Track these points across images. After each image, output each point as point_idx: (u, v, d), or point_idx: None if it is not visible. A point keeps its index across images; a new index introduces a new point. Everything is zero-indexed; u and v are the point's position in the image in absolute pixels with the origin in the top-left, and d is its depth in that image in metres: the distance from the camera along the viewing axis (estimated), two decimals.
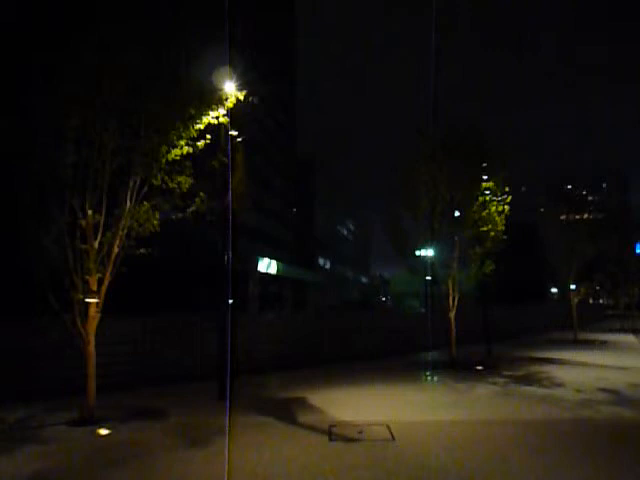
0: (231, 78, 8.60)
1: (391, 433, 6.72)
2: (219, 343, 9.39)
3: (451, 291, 13.81)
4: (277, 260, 50.61)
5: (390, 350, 16.24)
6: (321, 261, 76.21)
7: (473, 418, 7.85)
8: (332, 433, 6.80)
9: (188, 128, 7.76)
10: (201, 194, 8.20)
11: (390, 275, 75.93)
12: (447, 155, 13.38)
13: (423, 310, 36.29)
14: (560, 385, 10.61)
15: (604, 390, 9.99)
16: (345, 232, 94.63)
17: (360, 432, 6.79)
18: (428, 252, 15.33)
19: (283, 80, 58.90)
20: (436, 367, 13.75)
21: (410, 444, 6.34)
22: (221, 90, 8.27)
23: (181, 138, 7.77)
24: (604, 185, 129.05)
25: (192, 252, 28.60)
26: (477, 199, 13.67)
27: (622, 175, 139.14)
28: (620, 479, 5.33)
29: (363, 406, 8.73)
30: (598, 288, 43.64)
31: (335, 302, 63.64)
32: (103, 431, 6.99)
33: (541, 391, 10.01)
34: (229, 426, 7.09)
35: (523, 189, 31.65)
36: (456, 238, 13.75)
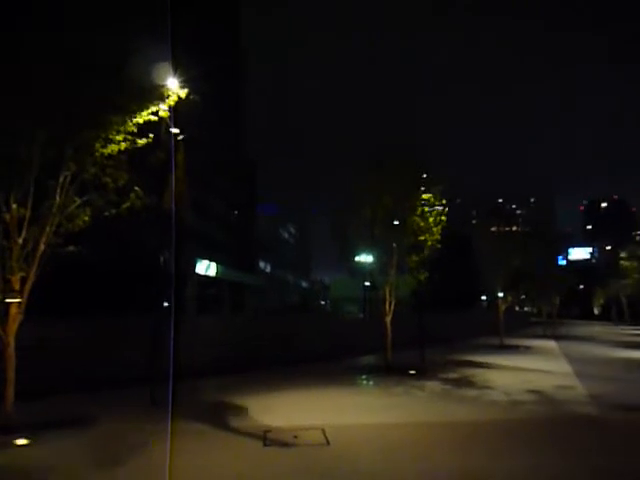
0: (174, 74, 8.38)
1: (326, 437, 6.76)
2: (153, 346, 9.08)
3: (388, 297, 14.16)
4: (216, 262, 49.71)
5: (328, 354, 16.36)
6: (262, 264, 75.71)
7: (406, 421, 8.05)
8: (267, 438, 6.74)
9: (126, 122, 7.46)
10: (136, 189, 7.88)
11: (330, 280, 76.64)
12: (391, 166, 13.83)
13: (361, 315, 37.02)
14: (488, 387, 11.13)
15: (528, 392, 10.57)
16: (287, 235, 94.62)
17: (295, 437, 6.79)
18: (368, 258, 15.64)
19: (231, 79, 58.19)
20: (372, 371, 14.03)
21: (344, 448, 6.41)
22: (163, 86, 8.03)
23: (119, 133, 7.47)
24: (532, 200, 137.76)
25: (131, 252, 27.53)
26: (416, 209, 14.17)
27: (549, 191, 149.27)
28: (545, 473, 5.64)
29: (300, 410, 8.74)
30: (524, 296, 46.35)
31: (275, 306, 63.40)
32: (21, 441, 6.52)
33: (470, 393, 10.45)
34: (163, 433, 6.87)
35: (458, 201, 33.05)
36: (395, 245, 14.13)
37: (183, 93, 8.18)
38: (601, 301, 75.63)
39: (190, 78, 8.41)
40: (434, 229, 14.20)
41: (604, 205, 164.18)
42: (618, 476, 5.62)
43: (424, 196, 14.29)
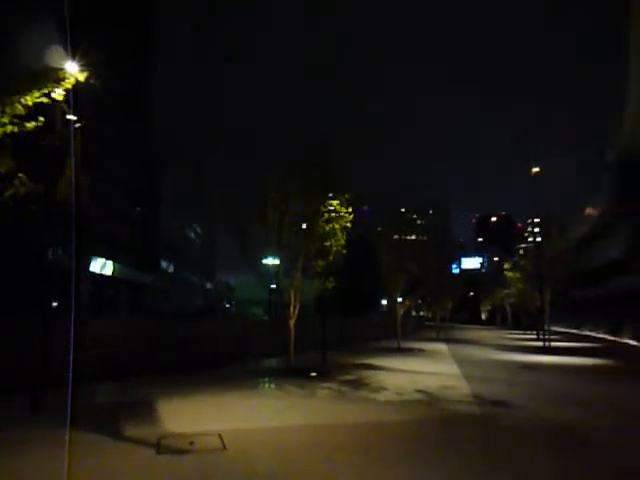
0: (72, 57, 7.76)
1: (223, 442, 6.63)
2: (43, 349, 8.30)
3: (292, 300, 14.28)
4: (114, 260, 46.90)
5: (232, 357, 16.10)
6: (164, 264, 72.69)
7: (305, 423, 8.14)
8: (161, 445, 6.46)
9: (13, 104, 6.78)
10: (20, 175, 7.17)
11: (236, 281, 75.54)
12: (300, 172, 14.00)
13: (266, 318, 36.95)
14: (384, 389, 11.59)
15: (420, 392, 11.19)
16: (192, 235, 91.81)
17: (191, 443, 6.57)
18: (274, 261, 15.66)
19: (140, 72, 55.48)
20: (274, 374, 14.03)
21: (242, 452, 6.32)
22: (59, 69, 7.41)
23: (4, 114, 6.77)
24: (430, 211, 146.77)
25: (16, 247, 25.02)
26: (323, 215, 14.46)
27: (447, 204, 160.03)
28: (430, 472, 5.97)
29: (198, 416, 8.48)
30: (420, 302, 49.10)
31: (177, 307, 61.13)
32: None
33: (368, 395, 10.82)
34: (47, 442, 6.30)
35: (365, 208, 34.12)
36: (301, 250, 14.29)
37: (82, 76, 7.60)
38: (488, 307, 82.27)
39: (91, 62, 7.83)
40: (340, 235, 14.58)
41: (494, 219, 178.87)
42: (502, 470, 6.14)
43: (332, 202, 14.63)
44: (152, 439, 6.72)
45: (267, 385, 12.55)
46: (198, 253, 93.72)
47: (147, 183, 60.60)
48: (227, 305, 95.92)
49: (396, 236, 24.69)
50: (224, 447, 6.45)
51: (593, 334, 45.55)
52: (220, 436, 6.89)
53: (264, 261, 16.12)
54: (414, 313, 59.02)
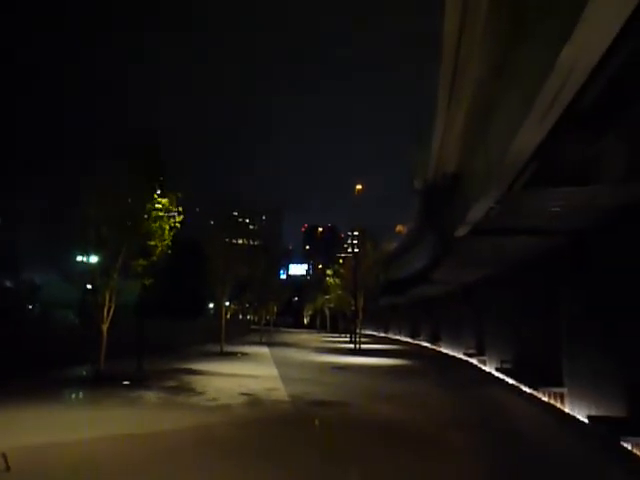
0: None
1: (7, 463, 5.79)
2: None
3: (107, 302, 13.25)
4: None
5: (34, 365, 14.20)
6: None
7: (110, 434, 7.59)
8: None
9: None
10: None
11: (42, 280, 66.70)
12: (125, 162, 13.15)
13: (77, 321, 33.52)
14: (203, 394, 11.42)
15: (240, 395, 11.32)
16: None
17: None
18: (90, 259, 14.33)
19: None
20: (81, 383, 12.84)
21: (31, 473, 5.65)
22: None
23: None
24: (264, 217, 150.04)
25: None
26: (150, 212, 13.72)
27: (281, 211, 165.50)
28: (250, 472, 6.07)
29: None
30: (248, 306, 49.67)
31: None
32: None
33: (185, 400, 10.55)
34: None
35: (197, 210, 33.38)
36: (122, 248, 13.35)
37: None
38: (310, 312, 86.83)
39: None
40: (167, 234, 13.99)
41: (320, 229, 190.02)
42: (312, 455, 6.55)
43: (161, 200, 13.99)
44: None
45: (71, 395, 11.39)
46: None
47: None
48: (30, 307, 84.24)
49: (226, 239, 24.61)
50: (8, 468, 5.66)
51: (398, 337, 51.41)
52: (4, 455, 6.01)
53: (78, 258, 14.67)
54: (241, 316, 59.35)
